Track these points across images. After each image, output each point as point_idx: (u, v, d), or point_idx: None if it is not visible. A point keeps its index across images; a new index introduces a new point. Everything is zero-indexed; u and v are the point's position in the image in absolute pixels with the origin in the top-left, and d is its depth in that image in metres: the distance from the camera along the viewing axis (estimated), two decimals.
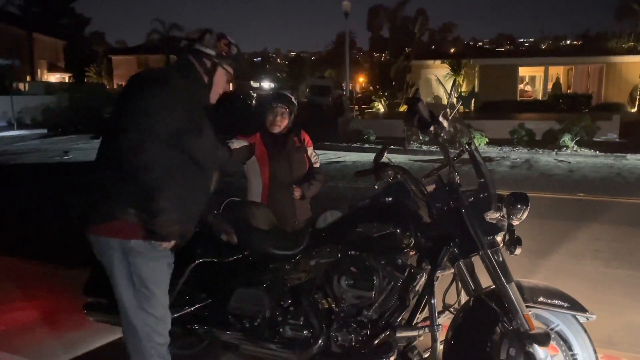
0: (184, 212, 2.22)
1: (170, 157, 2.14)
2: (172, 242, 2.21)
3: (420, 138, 14.62)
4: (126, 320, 2.29)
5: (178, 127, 2.18)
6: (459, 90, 26.01)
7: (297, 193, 3.46)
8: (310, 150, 3.65)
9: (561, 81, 30.21)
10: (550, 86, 28.37)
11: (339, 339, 2.54)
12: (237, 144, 3.46)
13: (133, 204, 2.13)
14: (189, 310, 2.74)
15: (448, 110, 2.46)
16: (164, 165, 2.10)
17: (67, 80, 41.79)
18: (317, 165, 3.67)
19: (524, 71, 29.34)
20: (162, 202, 2.08)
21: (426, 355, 2.48)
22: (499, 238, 2.40)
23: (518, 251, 2.40)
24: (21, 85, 30.84)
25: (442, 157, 2.55)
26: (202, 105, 2.36)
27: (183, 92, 2.24)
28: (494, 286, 2.40)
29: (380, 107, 28.00)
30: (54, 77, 42.59)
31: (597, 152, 13.55)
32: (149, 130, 2.08)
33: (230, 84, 2.56)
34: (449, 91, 2.57)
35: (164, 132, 2.13)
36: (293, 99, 3.58)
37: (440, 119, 2.40)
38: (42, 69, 42.11)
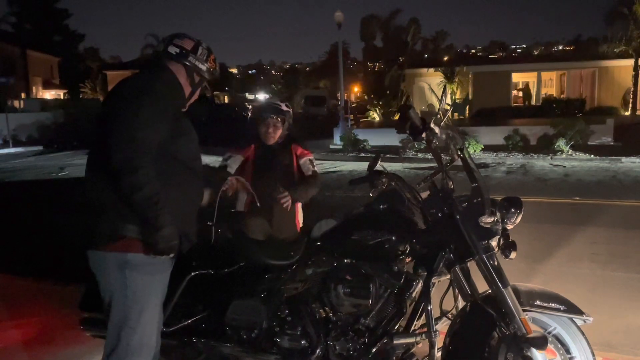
0: (183, 216, 2.25)
1: (161, 168, 2.14)
2: (172, 255, 2.20)
3: (416, 146, 14.67)
4: (111, 336, 2.24)
5: (166, 135, 2.17)
6: (453, 97, 26.13)
7: (283, 200, 3.28)
8: (305, 159, 3.54)
9: (554, 86, 30.43)
10: (543, 91, 28.58)
11: (337, 348, 2.53)
12: (234, 163, 3.46)
13: (132, 220, 2.12)
14: (185, 322, 2.72)
15: (439, 116, 2.48)
16: (159, 179, 2.09)
17: (62, 97, 41.86)
18: (309, 173, 3.53)
19: (517, 77, 29.53)
20: (161, 218, 2.07)
21: None
22: (493, 242, 2.40)
23: (513, 255, 2.41)
24: (16, 103, 30.84)
25: (436, 164, 2.56)
26: (181, 110, 2.37)
27: (167, 100, 2.22)
28: (490, 291, 2.40)
29: (375, 116, 28.09)
30: (49, 94, 42.63)
31: (592, 155, 13.61)
32: (140, 146, 2.04)
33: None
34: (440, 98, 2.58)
35: (155, 143, 2.11)
36: (283, 107, 3.50)
37: (432, 125, 2.41)
38: (37, 86, 42.16)
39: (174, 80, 2.34)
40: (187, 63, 2.36)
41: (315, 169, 3.57)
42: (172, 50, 2.35)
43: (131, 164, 2.01)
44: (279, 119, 3.46)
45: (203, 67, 2.41)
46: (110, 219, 2.16)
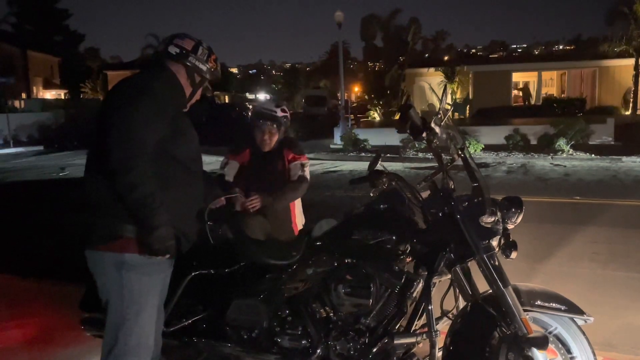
0: (182, 216, 2.25)
1: (160, 168, 2.14)
2: (168, 256, 2.19)
3: (416, 145, 14.67)
4: (109, 336, 2.23)
5: (164, 135, 2.16)
6: (454, 97, 26.12)
7: (249, 204, 3.20)
8: (295, 164, 3.44)
9: (554, 86, 30.41)
10: (544, 91, 28.57)
11: (338, 347, 2.52)
12: (231, 171, 3.44)
13: (129, 220, 2.12)
14: (186, 322, 2.72)
15: (440, 116, 2.47)
16: (155, 179, 2.08)
17: (62, 97, 41.89)
18: (294, 178, 3.40)
19: (517, 77, 29.50)
20: (157, 218, 2.07)
21: None
22: (494, 242, 2.40)
23: (514, 255, 2.41)
24: (17, 103, 30.86)
25: (437, 163, 2.56)
26: (181, 110, 2.36)
27: (167, 100, 2.21)
28: (491, 291, 2.40)
29: (375, 115, 28.09)
30: (49, 94, 42.65)
31: (593, 155, 13.62)
32: (137, 146, 2.04)
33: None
34: (440, 98, 2.58)
35: (152, 144, 2.11)
36: (279, 113, 3.40)
37: (433, 125, 2.41)
38: (37, 86, 42.18)
39: (174, 80, 2.33)
40: (188, 63, 2.35)
41: (305, 174, 3.45)
42: (173, 50, 2.34)
43: (127, 164, 2.01)
44: (275, 125, 3.40)
45: (204, 68, 2.39)
46: (107, 219, 2.15)
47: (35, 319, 3.88)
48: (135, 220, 2.10)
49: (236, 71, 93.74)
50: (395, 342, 2.43)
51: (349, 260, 2.59)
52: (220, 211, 2.81)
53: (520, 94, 30.20)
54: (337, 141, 18.34)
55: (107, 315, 2.24)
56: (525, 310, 2.34)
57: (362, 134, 17.36)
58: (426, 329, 2.39)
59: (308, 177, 3.48)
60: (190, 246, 2.38)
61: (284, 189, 3.36)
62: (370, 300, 2.49)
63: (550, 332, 2.41)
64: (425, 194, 2.60)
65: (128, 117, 2.07)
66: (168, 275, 2.36)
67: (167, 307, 2.61)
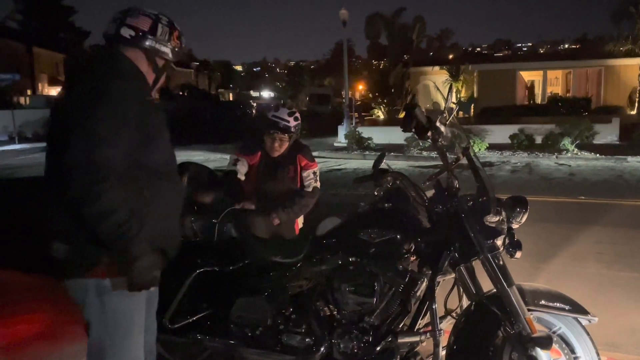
0: (164, 229, 2.03)
1: (134, 179, 1.88)
2: (152, 288, 1.95)
3: (421, 144, 14.65)
4: None
5: (133, 142, 1.85)
6: (459, 96, 26.08)
7: (275, 220, 3.37)
8: (308, 172, 3.51)
9: (559, 85, 30.31)
10: (549, 90, 28.49)
11: (341, 346, 2.53)
12: (242, 168, 3.46)
13: (106, 248, 1.85)
14: (190, 320, 2.73)
15: (445, 115, 2.47)
16: (127, 195, 1.82)
17: None
18: (309, 189, 3.50)
19: (522, 75, 29.40)
20: (134, 248, 1.80)
21: None
22: (499, 242, 2.39)
23: (518, 254, 2.41)
24: (22, 99, 30.96)
25: (441, 162, 2.56)
26: (145, 104, 1.95)
27: (129, 101, 1.86)
28: (495, 290, 2.40)
29: (380, 114, 28.05)
30: (55, 91, 42.75)
31: (598, 154, 13.55)
32: (102, 167, 1.73)
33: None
34: (446, 97, 2.58)
35: (119, 158, 1.80)
36: (291, 122, 3.35)
37: (438, 124, 2.41)
38: (42, 83, 42.31)
39: (133, 71, 1.99)
40: (147, 47, 2.00)
41: (318, 184, 3.55)
42: (126, 33, 1.97)
43: (93, 190, 1.72)
44: (286, 135, 3.40)
45: (166, 49, 2.04)
46: (81, 247, 1.92)
47: (41, 314, 3.89)
48: (113, 249, 1.83)
49: (240, 69, 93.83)
50: (399, 340, 2.44)
51: (353, 259, 2.60)
52: (211, 206, 2.81)
53: (526, 93, 30.14)
54: (341, 139, 18.32)
55: (89, 342, 2.05)
56: (529, 310, 2.34)
57: (366, 132, 17.32)
58: (430, 328, 2.39)
59: (319, 185, 3.58)
60: (174, 255, 2.13)
61: (299, 203, 3.43)
62: (374, 299, 2.50)
63: (554, 332, 2.40)
64: (429, 193, 2.61)
65: (88, 134, 1.75)
66: (156, 289, 2.14)
67: (172, 304, 2.63)
